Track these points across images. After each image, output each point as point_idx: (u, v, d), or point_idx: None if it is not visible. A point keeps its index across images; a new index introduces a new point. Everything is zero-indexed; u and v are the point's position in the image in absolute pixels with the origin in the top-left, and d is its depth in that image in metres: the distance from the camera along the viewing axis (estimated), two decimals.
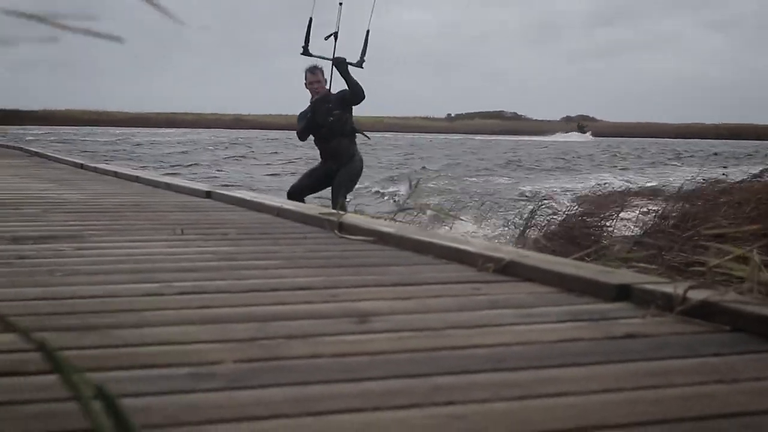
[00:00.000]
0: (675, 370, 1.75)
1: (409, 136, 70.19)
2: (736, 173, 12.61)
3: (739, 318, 2.08)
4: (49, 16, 0.87)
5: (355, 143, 8.72)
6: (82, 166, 9.37)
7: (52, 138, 43.43)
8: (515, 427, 1.40)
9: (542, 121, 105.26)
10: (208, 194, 5.91)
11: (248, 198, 5.33)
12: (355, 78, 8.44)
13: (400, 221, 7.93)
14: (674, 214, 9.70)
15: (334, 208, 4.74)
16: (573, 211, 9.69)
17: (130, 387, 1.56)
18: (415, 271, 3.00)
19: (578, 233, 8.83)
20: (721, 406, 1.52)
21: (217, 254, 3.34)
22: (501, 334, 2.06)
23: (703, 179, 11.71)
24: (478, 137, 71.40)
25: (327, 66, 8.54)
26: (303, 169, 12.34)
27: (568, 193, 11.05)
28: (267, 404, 1.48)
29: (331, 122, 8.47)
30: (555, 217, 9.65)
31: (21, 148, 13.79)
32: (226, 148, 40.23)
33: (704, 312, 2.17)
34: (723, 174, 13.29)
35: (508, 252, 3.08)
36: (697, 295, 2.21)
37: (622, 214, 10.21)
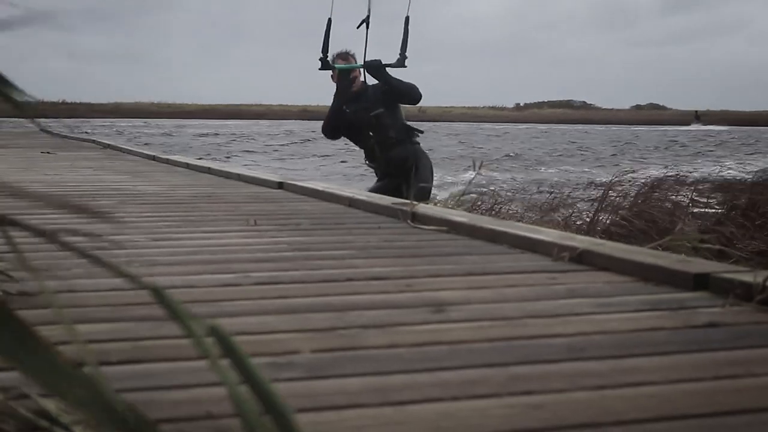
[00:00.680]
0: (755, 360, 1.74)
1: (484, 125, 69.84)
2: None
3: None
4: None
5: (416, 142, 7.17)
6: (154, 158, 9.50)
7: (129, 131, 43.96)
8: (594, 416, 1.40)
9: (611, 110, 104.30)
10: (280, 185, 5.95)
11: (320, 188, 5.36)
12: (398, 79, 7.01)
13: (467, 206, 7.86)
14: (744, 204, 9.62)
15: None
16: (643, 199, 9.59)
17: (209, 378, 1.59)
18: (489, 260, 3.00)
19: (648, 221, 8.74)
20: None
21: (291, 244, 3.38)
22: (579, 323, 2.06)
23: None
24: (558, 126, 70.63)
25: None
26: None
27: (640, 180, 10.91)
28: (346, 393, 1.50)
29: (371, 123, 7.00)
30: (625, 203, 9.55)
31: (94, 141, 13.99)
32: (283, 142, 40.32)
33: None
34: None
35: (583, 241, 3.06)
36: None
37: (692, 205, 10.14)
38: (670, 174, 11.49)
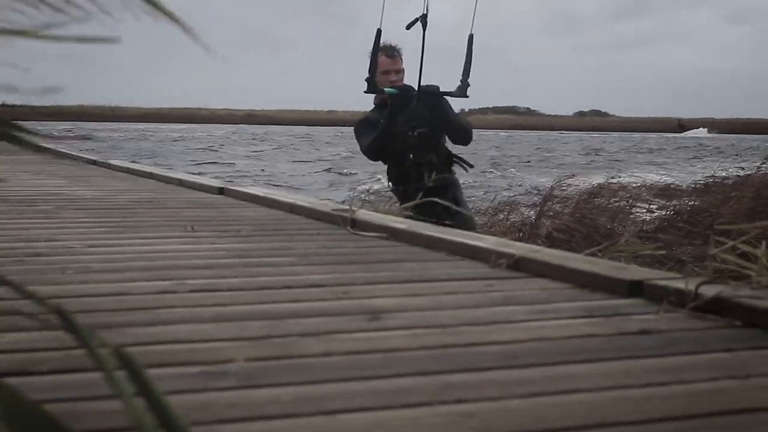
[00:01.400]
0: (687, 367, 1.76)
1: None
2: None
3: (751, 313, 2.09)
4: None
5: (454, 172, 5.93)
6: (95, 163, 9.41)
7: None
8: (526, 424, 1.41)
9: (554, 116, 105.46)
10: (221, 190, 5.93)
11: (261, 194, 5.35)
12: (455, 113, 5.90)
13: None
14: (687, 209, 9.74)
15: None
16: (585, 205, 9.69)
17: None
18: (427, 267, 3.01)
19: (589, 227, 8.82)
20: (733, 402, 1.53)
21: (230, 251, 3.36)
22: (514, 330, 2.07)
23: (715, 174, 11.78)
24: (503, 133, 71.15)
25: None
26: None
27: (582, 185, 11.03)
28: (279, 403, 1.50)
29: (411, 142, 5.68)
30: (567, 208, 9.65)
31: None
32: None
33: (716, 307, 2.18)
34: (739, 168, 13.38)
35: (520, 248, 3.08)
36: (709, 290, 2.22)
37: (634, 209, 10.24)
38: (613, 180, 11.62)
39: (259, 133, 59.92)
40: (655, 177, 17.52)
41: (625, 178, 13.02)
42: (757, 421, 1.45)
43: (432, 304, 2.37)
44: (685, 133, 79.56)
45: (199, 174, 10.80)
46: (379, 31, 5.53)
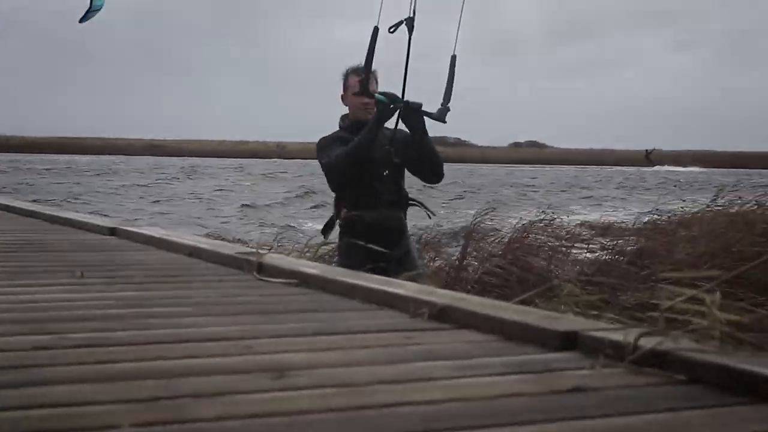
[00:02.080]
0: (624, 428, 1.76)
1: None
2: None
3: (694, 368, 2.10)
4: None
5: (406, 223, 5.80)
6: None
7: None
8: None
9: (487, 147, 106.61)
10: (113, 231, 5.85)
11: (158, 236, 5.28)
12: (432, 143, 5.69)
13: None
14: (630, 249, 9.80)
15: None
16: (516, 244, 9.72)
17: None
18: (340, 318, 2.99)
19: (523, 269, 8.85)
20: None
21: (120, 300, 3.30)
22: (435, 389, 2.05)
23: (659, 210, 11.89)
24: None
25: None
26: None
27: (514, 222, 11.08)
28: None
29: (387, 167, 5.57)
30: (497, 248, 9.67)
31: None
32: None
33: (657, 361, 2.18)
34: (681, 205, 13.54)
35: (443, 296, 3.07)
36: (650, 342, 2.22)
37: (574, 249, 10.24)
38: (547, 216, 11.59)
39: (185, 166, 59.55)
40: (596, 215, 17.72)
41: (562, 216, 13.07)
42: None
43: (344, 360, 2.34)
44: (655, 167, 79.32)
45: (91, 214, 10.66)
46: (375, 29, 5.39)
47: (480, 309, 2.80)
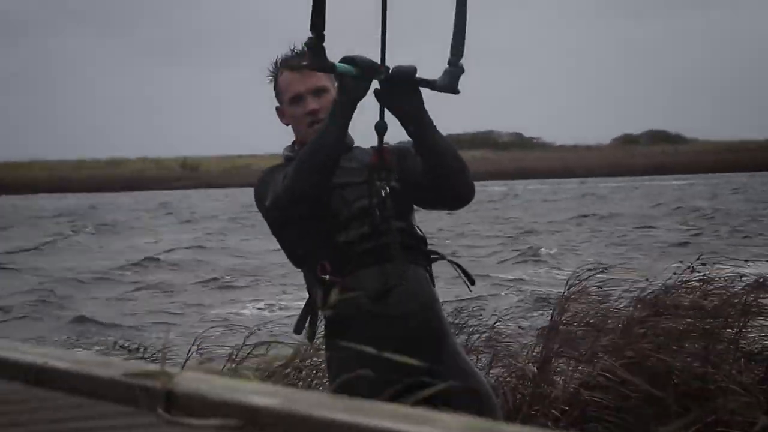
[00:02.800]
0: None
1: None
2: None
3: None
4: None
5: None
6: None
7: None
8: None
9: (574, 146, 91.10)
10: None
11: None
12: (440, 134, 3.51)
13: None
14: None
15: None
16: (642, 330, 5.32)
17: None
18: None
19: (657, 374, 4.93)
20: None
21: None
22: None
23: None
24: None
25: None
26: None
27: None
28: None
29: (380, 207, 3.40)
30: (605, 340, 5.06)
31: None
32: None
33: None
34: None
35: None
36: None
37: (750, 331, 5.68)
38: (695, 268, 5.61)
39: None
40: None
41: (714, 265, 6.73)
42: None
43: None
44: None
45: None
46: None
47: None
